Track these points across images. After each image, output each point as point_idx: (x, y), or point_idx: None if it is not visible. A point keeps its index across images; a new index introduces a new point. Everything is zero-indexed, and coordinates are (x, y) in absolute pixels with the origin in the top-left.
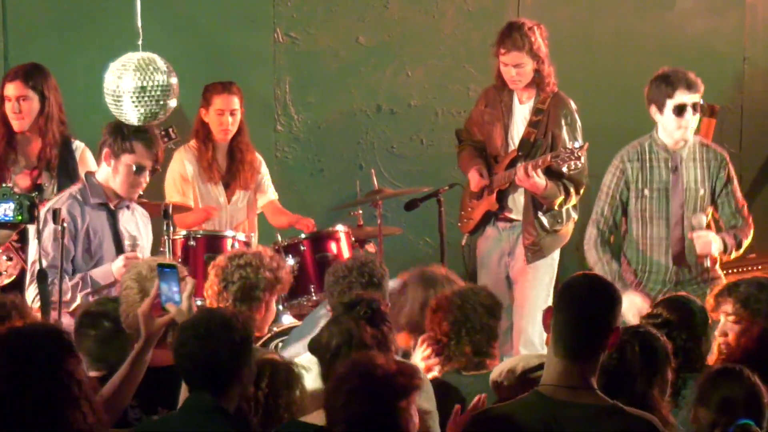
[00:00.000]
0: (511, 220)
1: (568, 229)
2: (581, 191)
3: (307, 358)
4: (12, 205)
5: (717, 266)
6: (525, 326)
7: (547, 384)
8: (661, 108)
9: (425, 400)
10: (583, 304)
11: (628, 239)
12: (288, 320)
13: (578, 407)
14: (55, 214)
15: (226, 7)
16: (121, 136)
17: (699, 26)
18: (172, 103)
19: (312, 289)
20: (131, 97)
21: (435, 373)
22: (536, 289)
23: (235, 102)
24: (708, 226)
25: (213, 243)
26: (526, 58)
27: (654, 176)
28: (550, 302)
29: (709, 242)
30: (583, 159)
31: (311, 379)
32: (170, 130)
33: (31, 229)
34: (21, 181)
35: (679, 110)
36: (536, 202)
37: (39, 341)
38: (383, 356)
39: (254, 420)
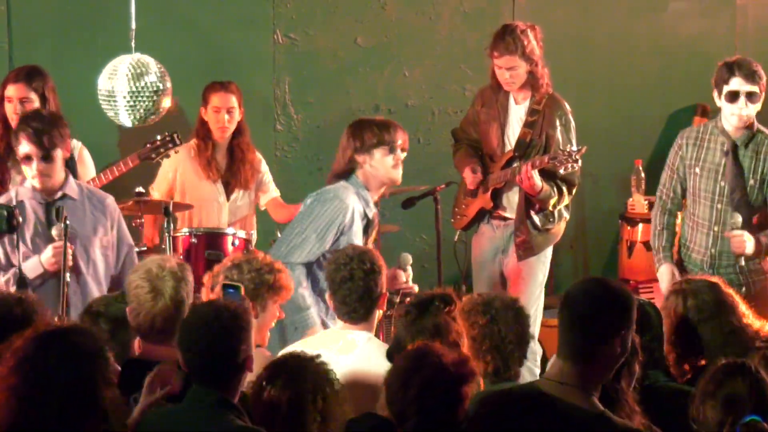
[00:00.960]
0: (505, 218)
1: (559, 228)
2: (574, 192)
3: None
4: None
5: (760, 261)
6: None
7: (546, 378)
8: (719, 92)
9: None
10: (575, 307)
11: (684, 215)
12: None
13: (564, 405)
14: (58, 212)
15: (226, 9)
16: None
17: (691, 28)
18: (165, 104)
19: None
20: (124, 98)
21: None
22: (530, 287)
23: (233, 100)
24: (755, 227)
25: (214, 240)
26: (519, 61)
27: (708, 157)
28: (542, 299)
29: (743, 242)
30: (580, 162)
31: None
32: (175, 135)
33: None
34: (21, 181)
35: (732, 97)
36: (529, 201)
37: (72, 352)
38: (442, 346)
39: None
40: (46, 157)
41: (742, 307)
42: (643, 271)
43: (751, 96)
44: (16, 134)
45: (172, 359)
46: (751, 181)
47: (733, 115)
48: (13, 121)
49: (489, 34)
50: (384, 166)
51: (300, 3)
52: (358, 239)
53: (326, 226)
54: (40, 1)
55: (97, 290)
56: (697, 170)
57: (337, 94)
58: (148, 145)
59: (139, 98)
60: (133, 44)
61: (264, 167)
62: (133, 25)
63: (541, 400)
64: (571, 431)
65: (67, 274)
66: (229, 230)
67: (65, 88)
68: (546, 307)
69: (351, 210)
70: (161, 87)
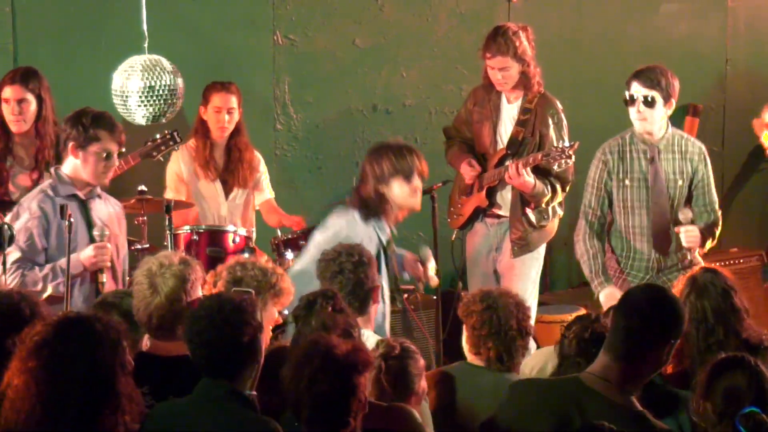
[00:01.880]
0: (499, 217)
1: (554, 225)
2: (567, 188)
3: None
4: None
5: (697, 253)
6: None
7: (588, 372)
8: (624, 99)
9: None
10: (636, 310)
11: (613, 229)
12: None
13: (605, 401)
14: (63, 209)
15: (227, 11)
16: (82, 127)
17: (683, 29)
18: (178, 103)
19: None
20: (139, 97)
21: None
22: (523, 283)
23: (233, 101)
24: (692, 221)
25: (215, 237)
26: (511, 62)
27: (633, 167)
28: (536, 295)
29: (697, 236)
30: (573, 158)
31: None
32: (175, 133)
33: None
34: (22, 181)
35: (630, 101)
36: (523, 199)
37: (93, 339)
38: (336, 337)
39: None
40: (119, 155)
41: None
42: None
43: (647, 101)
44: (95, 130)
45: (174, 352)
46: (680, 182)
47: (636, 120)
48: (12, 122)
49: (484, 35)
50: (402, 195)
51: (299, 5)
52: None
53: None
54: (44, 2)
55: None
56: (627, 182)
57: (336, 94)
58: (149, 143)
59: (153, 97)
60: (146, 45)
61: (263, 167)
62: (145, 26)
63: (584, 393)
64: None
65: (104, 275)
66: (230, 227)
67: (68, 88)
68: (540, 304)
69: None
70: (175, 86)
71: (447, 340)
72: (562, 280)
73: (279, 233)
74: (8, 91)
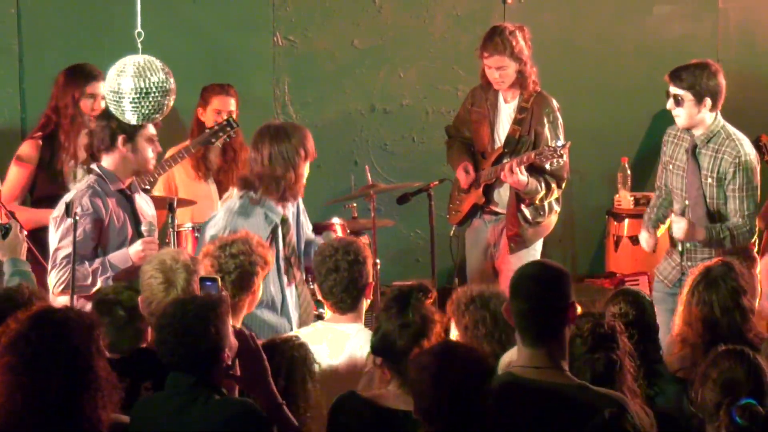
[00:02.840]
0: (496, 213)
1: (550, 221)
2: (563, 186)
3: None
4: None
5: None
6: None
7: (518, 366)
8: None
9: None
10: (531, 294)
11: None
12: None
13: (546, 385)
14: (68, 207)
15: (228, 12)
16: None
17: (675, 31)
18: (170, 102)
19: (310, 279)
20: (131, 97)
21: None
22: None
23: (232, 103)
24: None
25: None
26: (508, 61)
27: (677, 154)
28: None
29: (682, 229)
30: (565, 157)
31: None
32: (231, 119)
33: (52, 218)
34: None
35: (667, 97)
36: (519, 196)
37: (69, 325)
38: (462, 343)
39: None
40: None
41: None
42: (630, 265)
43: (676, 99)
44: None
45: None
46: (710, 180)
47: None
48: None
49: (481, 36)
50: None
51: (299, 6)
52: None
53: None
54: (49, 4)
55: None
56: (671, 167)
57: (335, 94)
58: (206, 131)
59: (145, 97)
60: (140, 45)
61: None
62: (139, 27)
63: (523, 385)
64: (558, 406)
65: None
66: None
67: None
68: None
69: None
70: (167, 87)
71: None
72: None
73: None
74: (97, 87)
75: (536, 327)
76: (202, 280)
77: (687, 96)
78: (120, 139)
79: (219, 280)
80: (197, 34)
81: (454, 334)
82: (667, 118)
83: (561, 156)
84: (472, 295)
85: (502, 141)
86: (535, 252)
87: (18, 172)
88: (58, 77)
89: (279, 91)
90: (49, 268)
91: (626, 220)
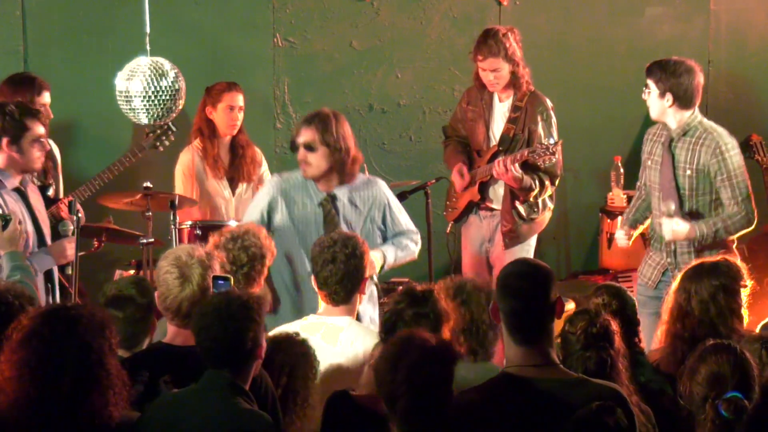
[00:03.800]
0: (491, 210)
1: (544, 218)
2: (557, 183)
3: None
4: None
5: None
6: None
7: (514, 365)
8: None
9: None
10: (524, 293)
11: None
12: None
13: (546, 382)
14: (71, 205)
15: (229, 14)
16: (11, 120)
17: (667, 32)
18: (180, 103)
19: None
20: (142, 98)
21: None
22: None
23: (240, 99)
24: (695, 216)
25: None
26: (502, 63)
27: (655, 150)
28: None
29: (671, 231)
30: (557, 155)
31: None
32: (167, 125)
33: None
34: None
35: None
36: (514, 193)
37: (81, 323)
38: (423, 331)
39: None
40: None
41: None
42: (622, 261)
43: (646, 87)
44: (25, 119)
45: None
46: (688, 171)
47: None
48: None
49: (476, 37)
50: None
51: (299, 9)
52: None
53: None
54: (53, 7)
55: None
56: (649, 163)
57: (333, 94)
58: (147, 137)
59: (156, 98)
60: (148, 47)
61: (265, 163)
62: (148, 30)
63: (525, 384)
64: (562, 401)
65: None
66: (232, 223)
67: (78, 89)
68: None
69: None
70: (177, 88)
71: None
72: None
73: None
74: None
75: (530, 326)
76: (215, 278)
77: (652, 87)
78: (4, 141)
79: (232, 279)
80: (199, 35)
81: None
82: None
83: (553, 153)
84: (452, 291)
85: (497, 139)
86: (529, 248)
87: None
88: None
89: (279, 91)
90: None
91: (619, 218)
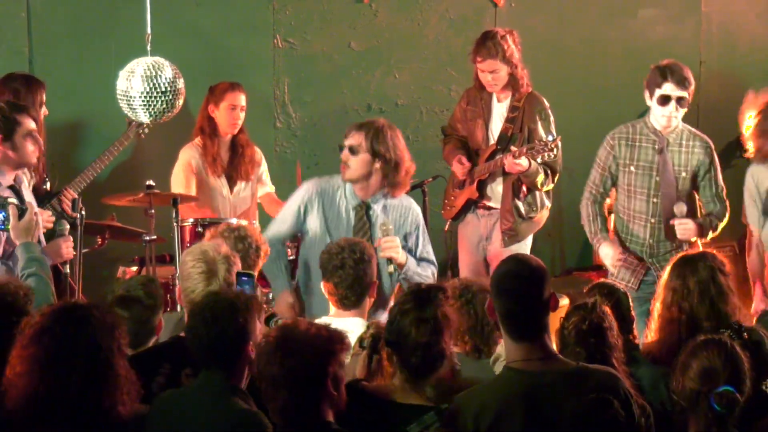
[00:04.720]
0: (489, 208)
1: (542, 216)
2: (556, 179)
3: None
4: (2, 214)
5: (700, 244)
6: None
7: (518, 361)
8: (651, 94)
9: None
10: (520, 292)
11: (615, 208)
12: None
13: (550, 374)
14: (74, 202)
15: (229, 15)
16: (2, 117)
17: (659, 33)
18: (179, 102)
19: None
20: (141, 97)
21: None
22: None
23: (243, 99)
24: (689, 214)
25: None
26: (500, 64)
27: (641, 155)
28: None
29: (691, 229)
30: (556, 150)
31: None
32: (133, 123)
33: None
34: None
35: (663, 100)
36: (514, 191)
37: (91, 322)
38: (307, 322)
39: None
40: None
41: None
42: None
43: (680, 101)
44: (16, 115)
45: None
46: (683, 174)
47: (663, 117)
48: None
49: (473, 38)
50: None
51: (298, 10)
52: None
53: None
54: (58, 8)
55: None
56: (632, 168)
57: (333, 94)
58: (132, 124)
59: (155, 97)
60: (149, 48)
61: (264, 163)
62: (149, 30)
63: (533, 379)
64: (570, 390)
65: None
66: (233, 220)
67: (82, 89)
68: None
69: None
70: (176, 87)
71: None
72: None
73: None
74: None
75: (526, 324)
76: (239, 274)
77: (688, 97)
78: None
79: (255, 275)
80: (200, 36)
81: None
82: None
83: (552, 150)
84: (458, 291)
85: (495, 138)
86: (526, 247)
87: None
88: None
89: (279, 91)
90: None
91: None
